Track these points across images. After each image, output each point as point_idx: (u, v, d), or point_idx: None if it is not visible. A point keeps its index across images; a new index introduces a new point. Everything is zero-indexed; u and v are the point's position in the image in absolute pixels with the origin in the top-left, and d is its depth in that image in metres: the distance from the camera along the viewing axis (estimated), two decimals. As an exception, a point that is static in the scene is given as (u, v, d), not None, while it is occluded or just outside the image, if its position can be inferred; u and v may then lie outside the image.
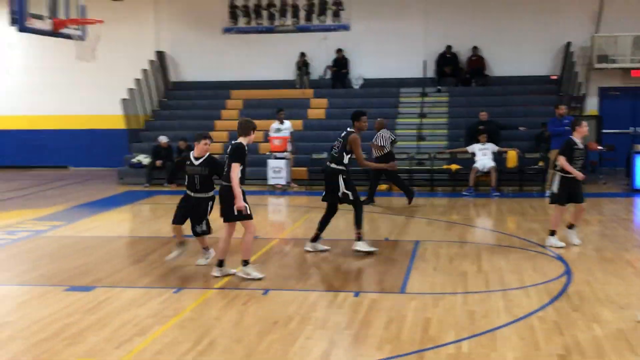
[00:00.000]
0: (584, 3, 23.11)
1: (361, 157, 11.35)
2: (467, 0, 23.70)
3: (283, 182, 19.33)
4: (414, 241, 12.35)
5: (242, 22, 24.92)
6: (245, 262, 9.67)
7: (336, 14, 24.46)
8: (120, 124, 23.77)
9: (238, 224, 9.69)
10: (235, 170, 9.32)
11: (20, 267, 10.93)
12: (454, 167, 19.24)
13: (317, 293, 9.09)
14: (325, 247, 11.46)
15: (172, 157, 20.67)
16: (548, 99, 22.30)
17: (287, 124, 19.79)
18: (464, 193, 18.02)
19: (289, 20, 24.70)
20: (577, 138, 11.40)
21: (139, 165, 21.62)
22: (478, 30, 23.63)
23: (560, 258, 10.86)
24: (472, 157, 18.67)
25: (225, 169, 9.56)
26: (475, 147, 18.64)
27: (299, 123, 22.16)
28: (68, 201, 17.89)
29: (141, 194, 19.37)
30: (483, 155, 18.43)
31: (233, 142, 9.66)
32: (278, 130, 19.56)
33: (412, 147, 20.91)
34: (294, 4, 24.61)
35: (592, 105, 23.22)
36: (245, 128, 9.64)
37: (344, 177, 11.01)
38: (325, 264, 10.70)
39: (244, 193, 9.48)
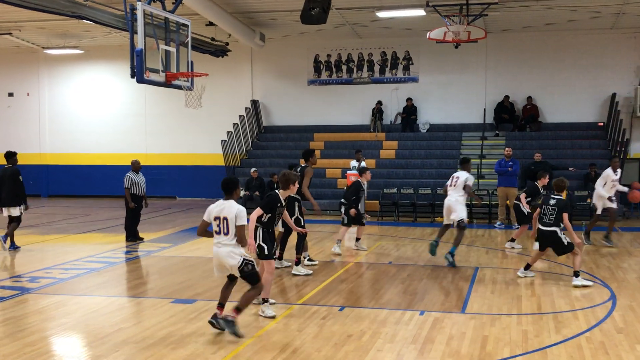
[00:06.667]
0: (628, 59, 22.62)
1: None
2: (523, 56, 23.41)
3: (358, 213, 19.19)
4: (474, 267, 12.13)
5: (324, 75, 25.19)
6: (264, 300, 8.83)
7: (406, 68, 24.48)
8: (220, 161, 24.19)
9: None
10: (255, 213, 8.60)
11: (134, 282, 11.18)
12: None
13: (387, 311, 8.97)
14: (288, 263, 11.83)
15: (264, 188, 20.66)
16: (595, 143, 21.97)
17: (363, 163, 19.78)
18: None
19: (365, 74, 24.84)
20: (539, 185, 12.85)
21: (235, 196, 21.75)
22: (533, 82, 23.31)
23: (606, 285, 10.49)
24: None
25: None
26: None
27: (372, 162, 22.16)
28: (175, 226, 18.25)
29: (236, 221, 19.47)
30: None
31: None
32: (355, 168, 19.54)
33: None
34: (369, 59, 24.76)
35: (635, 150, 22.52)
36: (285, 182, 8.86)
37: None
38: (394, 286, 10.59)
39: (268, 233, 8.77)
